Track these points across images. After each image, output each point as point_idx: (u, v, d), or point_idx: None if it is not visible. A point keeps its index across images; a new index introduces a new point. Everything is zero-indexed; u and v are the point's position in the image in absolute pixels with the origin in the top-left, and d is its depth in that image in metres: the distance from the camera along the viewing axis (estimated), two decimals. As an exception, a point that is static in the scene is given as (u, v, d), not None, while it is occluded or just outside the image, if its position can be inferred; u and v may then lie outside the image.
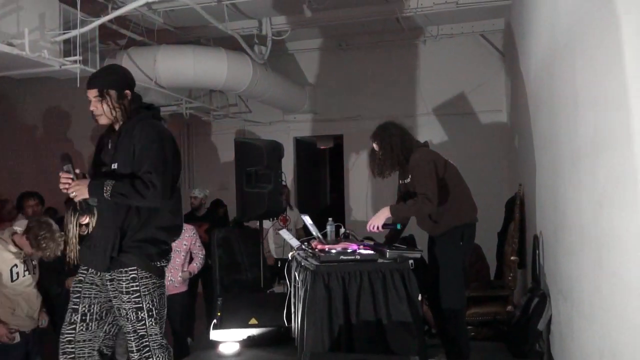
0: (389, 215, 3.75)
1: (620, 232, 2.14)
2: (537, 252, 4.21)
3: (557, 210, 3.38)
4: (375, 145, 3.83)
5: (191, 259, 4.85)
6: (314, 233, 3.86)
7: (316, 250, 3.54)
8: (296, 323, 3.83)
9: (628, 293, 2.07)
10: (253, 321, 4.25)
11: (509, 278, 4.75)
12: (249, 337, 4.19)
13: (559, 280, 3.47)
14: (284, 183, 5.25)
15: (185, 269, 4.71)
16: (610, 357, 2.31)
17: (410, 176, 3.73)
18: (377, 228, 3.75)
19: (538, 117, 4.18)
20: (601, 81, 2.32)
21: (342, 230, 4.02)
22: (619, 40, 2.04)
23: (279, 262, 6.28)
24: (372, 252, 3.46)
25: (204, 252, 4.83)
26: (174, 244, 4.61)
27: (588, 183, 2.60)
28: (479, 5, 6.42)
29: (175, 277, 4.62)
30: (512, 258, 4.74)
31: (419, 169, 3.64)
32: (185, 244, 4.71)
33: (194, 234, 4.80)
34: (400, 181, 3.89)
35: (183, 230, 4.74)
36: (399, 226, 3.83)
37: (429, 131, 7.43)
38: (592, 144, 2.50)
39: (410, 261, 3.30)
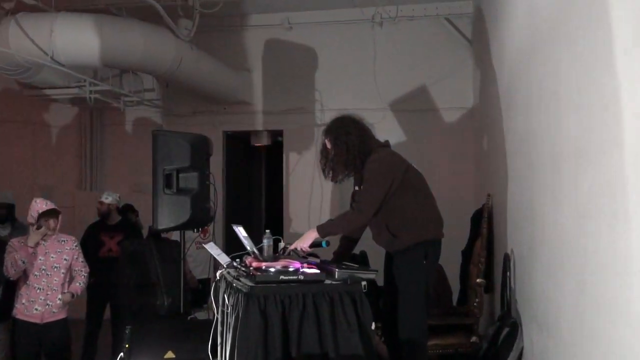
0: (317, 237, 3.73)
1: (607, 250, 2.21)
2: (508, 273, 4.31)
3: (533, 225, 3.47)
4: (327, 143, 3.80)
5: (72, 279, 4.67)
6: (248, 248, 3.81)
7: (251, 268, 3.49)
8: (224, 356, 3.76)
9: (615, 319, 2.13)
10: (169, 355, 4.17)
11: (474, 304, 4.85)
12: (164, 374, 4.09)
13: (533, 306, 3.56)
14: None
15: (65, 290, 4.53)
16: (593, 394, 2.38)
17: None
18: (302, 250, 3.74)
19: (512, 116, 4.29)
20: (588, 76, 2.39)
21: (282, 244, 3.98)
22: (608, 28, 2.11)
23: (200, 284, 6.21)
24: (318, 271, 3.44)
25: (87, 269, 4.67)
26: (51, 260, 4.48)
27: (570, 193, 2.68)
28: (446, -16, 6.61)
29: (54, 300, 4.41)
30: (478, 280, 4.84)
31: (371, 173, 3.65)
32: (65, 259, 4.51)
33: (75, 246, 4.63)
34: (356, 187, 3.88)
35: (63, 242, 4.64)
36: (324, 244, 3.78)
37: (383, 130, 7.50)
38: (576, 147, 2.58)
39: (364, 283, 3.31)
